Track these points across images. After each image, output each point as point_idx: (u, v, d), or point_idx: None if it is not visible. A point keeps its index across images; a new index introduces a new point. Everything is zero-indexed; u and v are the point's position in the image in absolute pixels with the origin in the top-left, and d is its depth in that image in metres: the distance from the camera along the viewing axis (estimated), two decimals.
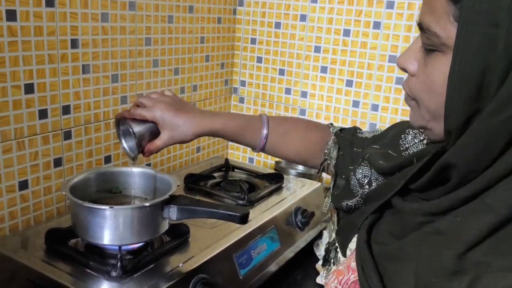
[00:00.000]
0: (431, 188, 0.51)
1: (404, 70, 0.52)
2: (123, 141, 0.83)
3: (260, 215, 1.12)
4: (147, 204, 0.85)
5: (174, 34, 1.30)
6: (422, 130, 0.54)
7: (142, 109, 0.81)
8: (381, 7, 1.30)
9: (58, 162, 1.05)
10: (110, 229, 0.84)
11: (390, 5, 1.28)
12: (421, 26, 0.48)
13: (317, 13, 1.40)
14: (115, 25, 1.11)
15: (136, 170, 0.99)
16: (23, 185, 0.99)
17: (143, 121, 0.80)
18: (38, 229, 0.97)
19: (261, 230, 1.07)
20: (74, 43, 1.03)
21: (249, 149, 1.62)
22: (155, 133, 0.80)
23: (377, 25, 1.32)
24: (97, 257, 0.86)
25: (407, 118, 0.57)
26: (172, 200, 0.87)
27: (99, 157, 1.16)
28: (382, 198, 0.59)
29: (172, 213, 0.87)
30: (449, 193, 0.48)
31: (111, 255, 0.88)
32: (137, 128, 0.79)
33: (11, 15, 0.89)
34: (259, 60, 1.55)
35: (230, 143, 1.66)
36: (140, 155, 0.82)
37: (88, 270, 0.84)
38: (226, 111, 1.62)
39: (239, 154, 1.67)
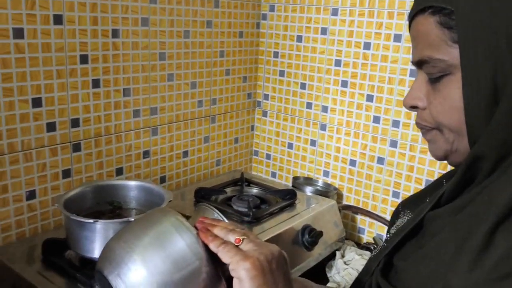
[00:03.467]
0: (459, 194, 0.54)
1: (414, 107, 0.57)
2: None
3: (264, 232, 1.09)
4: (132, 219, 0.85)
5: (191, 49, 1.31)
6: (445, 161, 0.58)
7: (232, 246, 0.56)
8: (402, 19, 1.24)
9: (66, 174, 1.09)
10: (99, 242, 0.85)
11: None
12: (421, 62, 0.54)
13: (338, 26, 1.37)
14: (126, 41, 1.14)
15: (133, 183, 1.00)
16: (31, 195, 1.03)
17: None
18: (45, 237, 1.00)
19: None
20: (83, 59, 1.06)
21: (272, 162, 1.61)
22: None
23: (398, 38, 1.26)
24: (87, 271, 0.87)
25: None
26: None
27: (110, 169, 1.19)
28: (409, 225, 0.60)
29: None
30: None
31: None
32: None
33: (18, 33, 0.94)
34: (282, 73, 1.53)
35: (254, 156, 1.65)
36: None
37: (78, 284, 0.86)
38: (249, 124, 1.61)
39: (262, 168, 1.65)
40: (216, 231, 0.58)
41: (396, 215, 0.70)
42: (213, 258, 0.57)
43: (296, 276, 1.12)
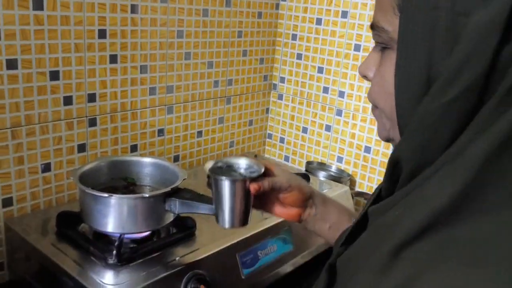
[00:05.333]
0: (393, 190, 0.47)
1: (366, 78, 0.49)
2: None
3: None
4: (147, 195, 0.85)
5: (209, 27, 1.30)
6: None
7: None
8: None
9: (82, 148, 1.09)
10: (112, 217, 0.85)
11: None
12: (372, 25, 0.45)
13: (359, 9, 1.34)
14: (145, 17, 1.13)
15: (148, 160, 1.00)
16: (46, 168, 1.04)
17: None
18: (60, 210, 1.00)
19: (273, 230, 1.04)
20: (101, 33, 1.05)
21: (285, 146, 1.60)
22: None
23: None
24: (100, 244, 0.88)
25: None
26: (174, 193, 0.87)
27: (125, 145, 1.19)
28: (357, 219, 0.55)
29: (174, 206, 0.86)
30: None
31: (114, 243, 0.90)
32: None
33: (37, 5, 0.93)
34: (299, 57, 1.51)
35: (267, 139, 1.65)
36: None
37: (91, 257, 0.86)
38: (264, 107, 1.60)
39: (275, 152, 1.64)
40: None
41: None
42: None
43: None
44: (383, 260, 0.39)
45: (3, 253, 1.00)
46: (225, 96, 1.44)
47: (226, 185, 0.68)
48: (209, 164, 0.71)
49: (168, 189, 0.86)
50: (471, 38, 0.37)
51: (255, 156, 0.68)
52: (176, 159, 1.34)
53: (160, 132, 1.27)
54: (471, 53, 0.37)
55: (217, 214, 0.72)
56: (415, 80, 0.40)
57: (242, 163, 0.73)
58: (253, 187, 0.67)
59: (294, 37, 1.51)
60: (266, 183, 0.69)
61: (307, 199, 0.74)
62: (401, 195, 0.42)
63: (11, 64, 0.92)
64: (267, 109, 1.62)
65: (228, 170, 0.72)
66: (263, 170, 0.69)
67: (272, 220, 1.05)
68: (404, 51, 0.41)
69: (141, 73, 1.17)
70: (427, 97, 0.39)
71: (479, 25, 0.36)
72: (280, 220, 1.07)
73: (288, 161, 1.61)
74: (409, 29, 0.40)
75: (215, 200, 0.72)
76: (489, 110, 0.37)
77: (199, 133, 1.39)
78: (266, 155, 1.65)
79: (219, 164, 0.72)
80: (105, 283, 0.79)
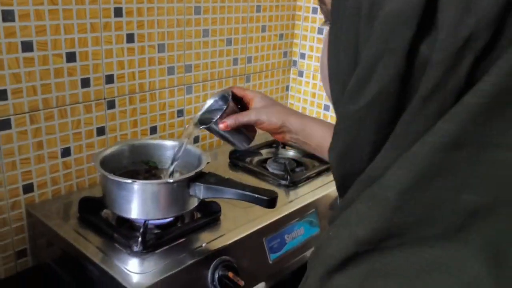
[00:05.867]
0: None
1: None
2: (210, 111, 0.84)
3: (301, 197, 1.06)
4: (171, 180, 0.82)
5: (226, 2, 1.25)
6: None
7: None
8: None
9: (101, 131, 1.06)
10: (136, 202, 0.83)
11: None
12: None
13: None
14: None
15: (170, 143, 0.97)
16: (66, 152, 1.01)
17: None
18: (81, 195, 0.98)
19: (299, 213, 1.01)
20: (117, 12, 1.01)
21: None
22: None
23: None
24: (123, 231, 0.86)
25: None
26: (199, 177, 0.84)
27: (144, 127, 1.16)
28: None
29: (198, 191, 0.84)
30: None
31: (138, 229, 0.87)
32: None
33: None
34: (320, 31, 1.45)
35: None
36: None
37: (115, 244, 0.84)
38: (284, 84, 1.55)
39: None
40: None
41: None
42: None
43: None
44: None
45: (25, 239, 0.99)
46: (245, 74, 1.39)
47: (212, 130, 0.80)
48: (195, 119, 0.83)
49: (192, 173, 0.83)
50: (383, 32, 0.31)
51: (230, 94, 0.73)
52: (196, 140, 1.31)
53: (180, 112, 1.23)
54: (383, 48, 0.31)
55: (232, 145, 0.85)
56: (343, 66, 0.35)
57: (213, 104, 0.84)
58: (222, 126, 0.78)
59: (314, 10, 1.45)
60: (232, 121, 0.78)
61: (280, 128, 0.78)
62: (339, 210, 0.38)
63: (27, 46, 0.89)
64: (287, 87, 1.57)
65: (208, 115, 0.83)
66: (225, 107, 0.79)
67: (298, 203, 1.02)
68: (334, 29, 0.36)
69: (158, 52, 1.13)
70: (344, 96, 0.34)
71: (390, 16, 0.30)
72: (306, 202, 1.04)
73: None
74: (341, 3, 0.34)
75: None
76: (406, 125, 0.31)
77: None
78: None
79: (204, 115, 0.83)
80: (130, 271, 0.77)
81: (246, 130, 0.82)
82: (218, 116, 0.78)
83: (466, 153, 0.29)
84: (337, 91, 0.36)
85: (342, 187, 0.38)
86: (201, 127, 0.81)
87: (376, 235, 0.32)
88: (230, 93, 0.81)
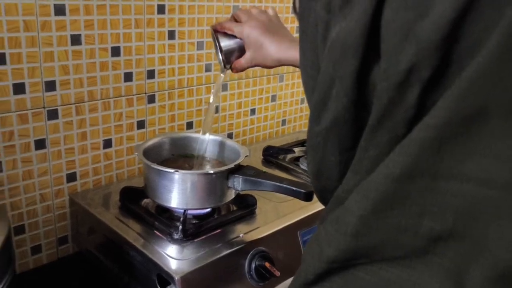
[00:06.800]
0: None
1: None
2: (218, 52, 0.82)
3: None
4: (212, 171, 0.85)
5: (263, 2, 1.27)
6: None
7: (233, 23, 0.80)
8: None
9: (141, 125, 1.10)
10: (176, 192, 0.85)
11: None
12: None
13: None
14: None
15: (209, 137, 0.99)
16: (107, 143, 1.05)
17: (234, 36, 0.80)
18: (120, 186, 1.01)
19: None
20: (160, 9, 1.05)
21: None
22: (244, 50, 0.80)
23: None
24: (164, 219, 0.88)
25: None
26: (237, 170, 0.86)
27: (181, 122, 1.19)
28: None
29: (237, 183, 0.86)
30: None
31: (177, 218, 0.90)
32: (224, 43, 0.80)
33: None
34: None
35: None
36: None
37: (155, 231, 0.87)
38: None
39: None
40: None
41: None
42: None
43: None
44: None
45: (67, 227, 1.03)
46: (278, 74, 1.41)
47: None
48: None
49: (232, 165, 0.86)
50: (331, 58, 0.30)
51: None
52: (229, 136, 1.34)
53: (215, 109, 1.26)
54: (333, 75, 0.30)
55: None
56: (310, 83, 0.34)
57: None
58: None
59: None
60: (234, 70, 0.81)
61: (277, 66, 0.78)
62: (318, 222, 0.39)
63: (75, 40, 0.93)
64: None
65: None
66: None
67: None
68: (301, 41, 0.35)
69: (197, 49, 1.16)
70: (310, 114, 0.34)
71: (336, 43, 0.30)
72: None
73: None
74: (304, 17, 0.34)
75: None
76: (363, 151, 0.31)
77: (252, 111, 1.38)
78: None
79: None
80: (171, 257, 0.80)
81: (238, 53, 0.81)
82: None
83: (420, 183, 0.29)
84: (309, 104, 0.36)
85: (321, 199, 0.40)
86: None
87: (343, 255, 0.33)
88: (217, 41, 0.81)
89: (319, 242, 0.36)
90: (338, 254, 0.34)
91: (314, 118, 0.34)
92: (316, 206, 0.99)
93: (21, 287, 0.67)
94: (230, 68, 0.82)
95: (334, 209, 0.35)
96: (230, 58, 0.81)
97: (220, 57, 0.81)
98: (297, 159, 1.26)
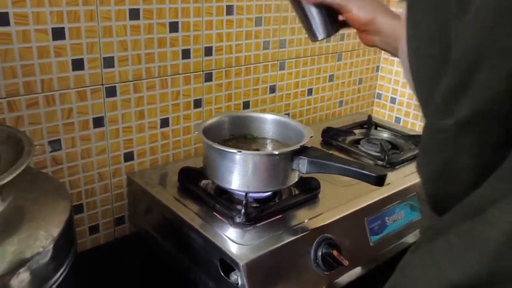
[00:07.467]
0: None
1: None
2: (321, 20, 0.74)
3: (401, 179, 1.01)
4: (276, 152, 0.80)
5: None
6: None
7: None
8: None
9: (198, 103, 1.06)
10: (238, 174, 0.81)
11: None
12: None
13: None
14: None
15: (270, 117, 0.95)
16: (164, 122, 1.02)
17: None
18: (176, 166, 0.99)
19: (400, 196, 0.96)
20: None
21: (396, 106, 1.49)
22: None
23: None
24: (224, 201, 0.85)
25: None
26: (302, 151, 0.81)
27: (238, 102, 1.14)
28: None
29: (302, 165, 0.81)
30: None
31: (237, 201, 0.86)
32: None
33: None
34: None
35: (376, 99, 1.54)
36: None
37: (215, 213, 0.84)
38: (375, 64, 1.49)
39: (384, 113, 1.53)
40: None
41: None
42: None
43: None
44: None
45: (124, 207, 1.01)
46: (337, 52, 1.35)
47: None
48: None
49: (297, 146, 0.81)
50: (478, 25, 0.24)
51: None
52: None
53: (272, 88, 1.21)
54: (481, 49, 0.23)
55: (308, 32, 0.75)
56: (426, 67, 0.28)
57: None
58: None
59: None
60: None
61: (367, 25, 0.68)
62: (430, 232, 0.32)
63: (134, 14, 0.90)
64: (377, 67, 1.50)
65: None
66: None
67: (398, 185, 0.97)
68: (411, 15, 0.29)
69: (255, 25, 1.11)
70: (433, 105, 0.27)
71: (487, 2, 0.23)
72: (407, 185, 0.98)
73: (399, 122, 1.49)
74: None
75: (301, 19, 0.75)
76: None
77: (309, 91, 1.32)
78: (375, 116, 1.55)
79: None
80: (233, 241, 0.76)
81: (330, 18, 0.73)
82: None
83: None
84: (422, 96, 0.31)
85: (436, 207, 0.33)
86: None
87: (472, 282, 0.27)
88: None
89: (436, 263, 0.29)
90: (466, 280, 0.27)
91: (441, 110, 0.27)
92: (382, 191, 0.93)
93: (81, 267, 0.65)
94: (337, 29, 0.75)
95: (463, 221, 0.28)
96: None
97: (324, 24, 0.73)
98: (357, 141, 1.20)
